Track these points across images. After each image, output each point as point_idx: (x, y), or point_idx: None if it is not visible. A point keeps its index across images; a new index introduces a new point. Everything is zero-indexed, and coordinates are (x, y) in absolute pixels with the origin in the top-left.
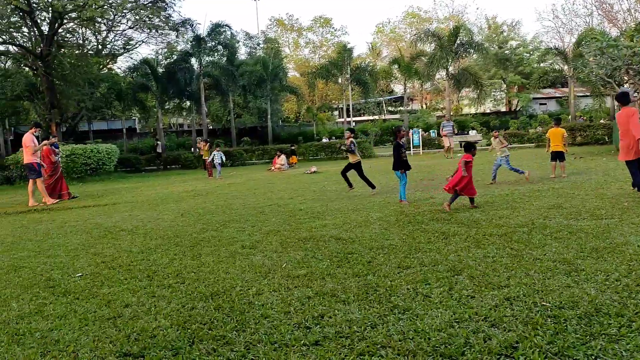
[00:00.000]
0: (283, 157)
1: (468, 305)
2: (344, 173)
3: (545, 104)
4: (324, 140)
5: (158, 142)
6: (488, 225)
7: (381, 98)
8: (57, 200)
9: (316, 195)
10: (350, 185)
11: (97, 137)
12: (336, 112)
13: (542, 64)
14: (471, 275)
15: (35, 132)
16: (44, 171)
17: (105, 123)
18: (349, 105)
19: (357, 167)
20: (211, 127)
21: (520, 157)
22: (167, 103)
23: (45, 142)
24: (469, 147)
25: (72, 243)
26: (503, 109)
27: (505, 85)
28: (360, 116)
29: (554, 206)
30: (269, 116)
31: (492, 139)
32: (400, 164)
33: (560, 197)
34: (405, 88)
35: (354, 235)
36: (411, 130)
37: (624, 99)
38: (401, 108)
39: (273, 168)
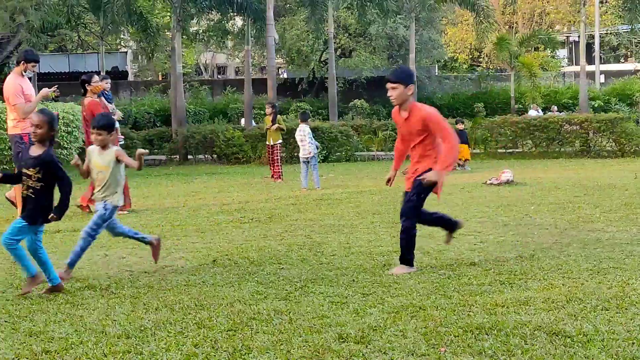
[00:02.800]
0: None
1: None
2: None
3: None
4: (533, 112)
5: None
6: None
7: None
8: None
9: (508, 232)
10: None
11: (47, 87)
12: (562, 52)
13: None
14: None
15: (24, 69)
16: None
17: (66, 59)
18: (591, 35)
19: None
20: (286, 76)
21: None
22: (195, 20)
23: (46, 90)
24: None
25: None
26: None
27: None
28: (619, 62)
29: None
30: (412, 55)
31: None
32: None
33: None
34: None
35: (592, 327)
36: None
37: (407, 80)
38: None
39: None
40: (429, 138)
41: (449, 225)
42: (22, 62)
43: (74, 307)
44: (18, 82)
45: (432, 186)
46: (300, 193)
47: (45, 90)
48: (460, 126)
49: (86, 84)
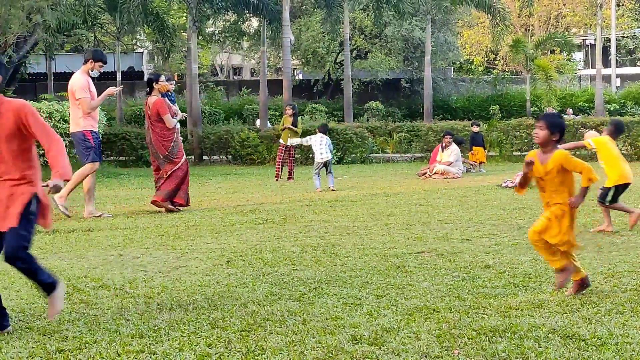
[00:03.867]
0: (454, 149)
1: None
2: None
3: None
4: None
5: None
6: None
7: None
8: (172, 207)
9: (523, 235)
10: None
11: (62, 87)
12: (578, 54)
13: None
14: None
15: (92, 68)
16: (158, 149)
17: (82, 59)
18: (607, 38)
19: None
20: (301, 77)
21: None
22: (211, 21)
23: (112, 89)
24: None
25: None
26: None
27: None
28: (635, 65)
29: None
30: (427, 57)
31: None
32: None
33: None
34: None
35: (606, 331)
36: None
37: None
38: None
39: (429, 171)
40: (25, 146)
41: (46, 286)
42: (90, 60)
43: (88, 306)
44: (85, 78)
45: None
46: (314, 194)
47: (111, 89)
48: (475, 129)
49: (154, 83)
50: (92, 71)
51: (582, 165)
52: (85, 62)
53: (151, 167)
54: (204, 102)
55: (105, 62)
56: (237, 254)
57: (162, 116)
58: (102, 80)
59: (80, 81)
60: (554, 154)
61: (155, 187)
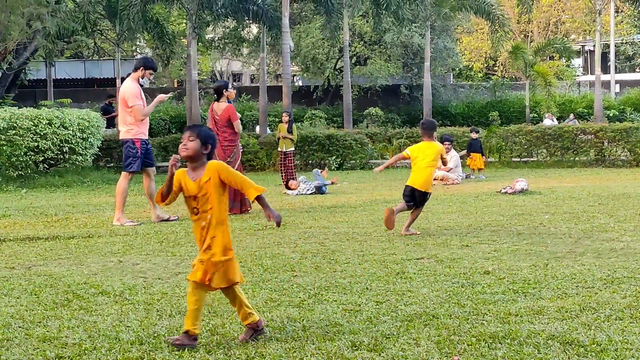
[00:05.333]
0: (454, 155)
1: None
2: None
3: None
4: (547, 121)
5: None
6: None
7: None
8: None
9: (522, 241)
10: None
11: (62, 94)
12: (577, 61)
13: None
14: None
15: (142, 76)
16: (218, 155)
17: (82, 65)
18: (606, 44)
19: None
20: (301, 84)
21: None
22: (211, 27)
23: (163, 96)
24: None
25: None
26: None
27: None
28: (634, 71)
29: None
30: (427, 63)
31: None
32: None
33: None
34: None
35: (606, 337)
36: None
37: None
38: None
39: None
40: None
41: None
42: (141, 68)
43: (88, 313)
44: (136, 85)
45: None
46: (314, 201)
47: (161, 96)
48: (474, 135)
49: (224, 90)
50: (142, 79)
51: (240, 177)
52: (136, 69)
53: None
54: (203, 109)
55: (155, 70)
56: (237, 260)
57: (233, 121)
58: (102, 87)
59: (132, 88)
60: (207, 165)
61: None
